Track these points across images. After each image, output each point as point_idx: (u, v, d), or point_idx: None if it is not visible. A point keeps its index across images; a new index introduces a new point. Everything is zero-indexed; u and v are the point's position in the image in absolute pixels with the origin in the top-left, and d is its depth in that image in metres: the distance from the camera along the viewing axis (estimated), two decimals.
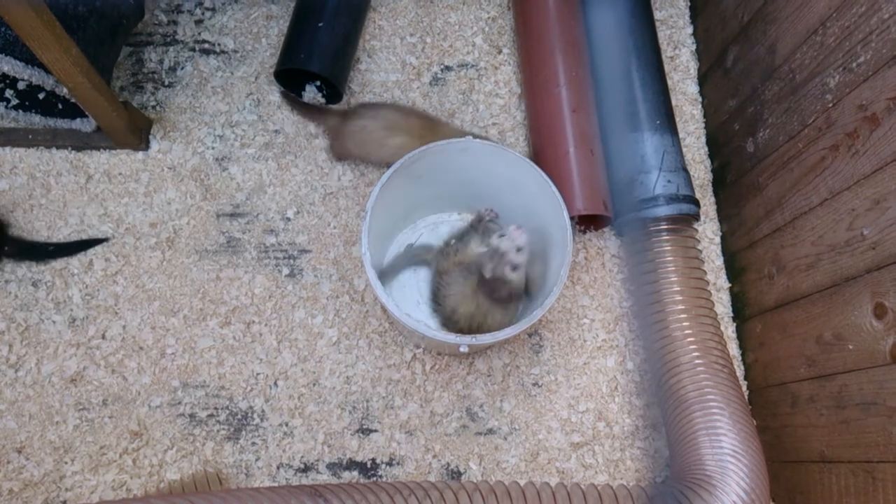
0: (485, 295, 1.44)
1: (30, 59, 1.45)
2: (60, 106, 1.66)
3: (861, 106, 1.26)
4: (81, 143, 1.70)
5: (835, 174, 1.33)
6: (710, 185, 1.83)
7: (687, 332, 1.48)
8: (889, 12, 1.19)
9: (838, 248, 1.32)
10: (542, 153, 1.66)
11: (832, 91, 1.34)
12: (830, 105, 1.35)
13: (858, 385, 1.27)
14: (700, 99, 1.90)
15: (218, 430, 1.55)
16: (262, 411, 1.57)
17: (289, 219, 1.71)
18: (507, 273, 1.39)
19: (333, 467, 1.54)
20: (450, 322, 1.51)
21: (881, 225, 1.21)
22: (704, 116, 1.88)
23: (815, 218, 1.40)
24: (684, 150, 1.75)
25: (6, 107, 1.65)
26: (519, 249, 1.39)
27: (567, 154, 1.61)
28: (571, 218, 1.50)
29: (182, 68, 1.83)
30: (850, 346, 1.29)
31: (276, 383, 1.59)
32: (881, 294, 1.21)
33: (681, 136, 1.77)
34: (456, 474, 1.56)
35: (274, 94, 1.81)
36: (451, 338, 1.33)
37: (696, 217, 1.63)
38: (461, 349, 1.35)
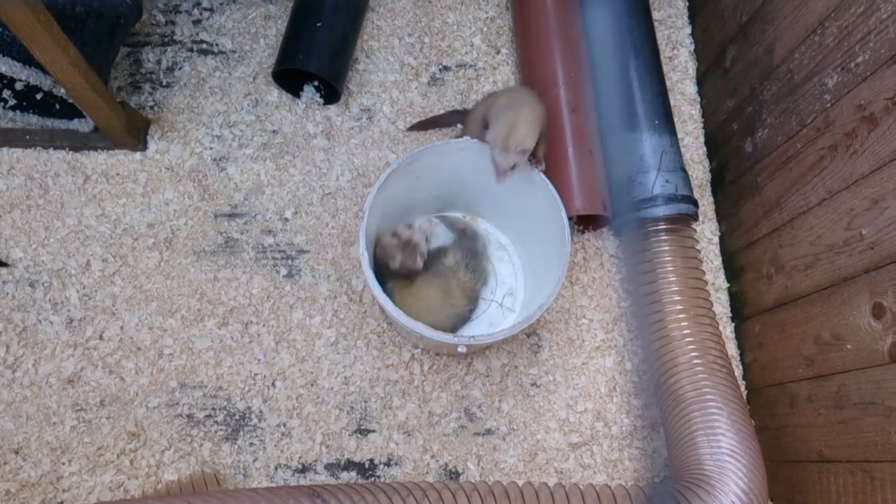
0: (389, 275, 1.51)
1: (27, 60, 1.44)
2: (58, 106, 1.66)
3: (859, 106, 1.26)
4: (79, 143, 1.70)
5: (833, 174, 1.33)
6: (709, 185, 1.83)
7: (685, 331, 1.48)
8: (887, 12, 1.19)
9: (837, 247, 1.32)
10: None
11: (831, 91, 1.34)
12: (829, 105, 1.35)
13: (857, 385, 1.27)
14: (698, 99, 1.90)
15: (216, 431, 1.55)
16: (260, 412, 1.56)
17: (287, 219, 1.71)
18: (416, 263, 1.48)
19: (331, 468, 1.54)
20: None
21: (879, 225, 1.21)
22: (703, 116, 1.88)
23: (814, 218, 1.40)
24: (683, 150, 1.75)
25: (3, 107, 1.65)
26: (427, 239, 1.51)
27: (565, 154, 1.61)
28: (570, 218, 1.50)
29: (180, 68, 1.83)
30: (849, 346, 1.29)
31: (273, 384, 1.58)
32: (879, 294, 1.21)
33: (679, 136, 1.77)
34: (454, 475, 1.56)
35: (272, 95, 1.81)
36: (449, 338, 1.32)
37: (695, 217, 1.63)
38: (459, 349, 1.35)
